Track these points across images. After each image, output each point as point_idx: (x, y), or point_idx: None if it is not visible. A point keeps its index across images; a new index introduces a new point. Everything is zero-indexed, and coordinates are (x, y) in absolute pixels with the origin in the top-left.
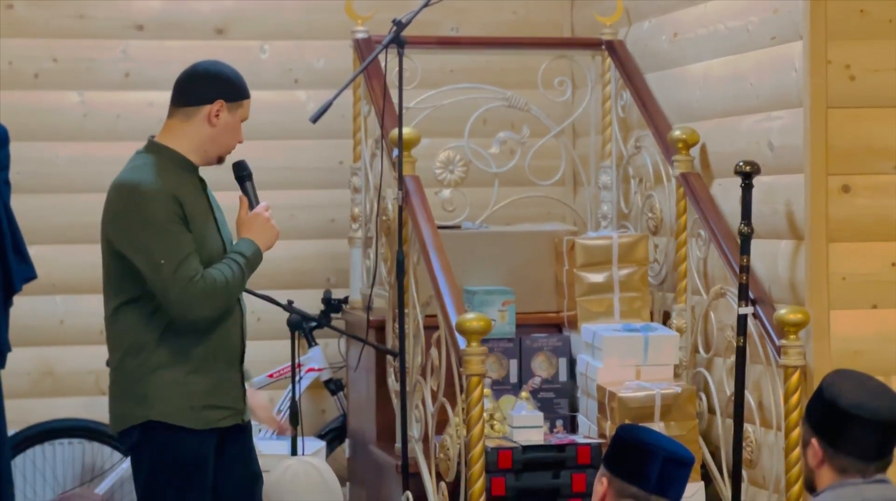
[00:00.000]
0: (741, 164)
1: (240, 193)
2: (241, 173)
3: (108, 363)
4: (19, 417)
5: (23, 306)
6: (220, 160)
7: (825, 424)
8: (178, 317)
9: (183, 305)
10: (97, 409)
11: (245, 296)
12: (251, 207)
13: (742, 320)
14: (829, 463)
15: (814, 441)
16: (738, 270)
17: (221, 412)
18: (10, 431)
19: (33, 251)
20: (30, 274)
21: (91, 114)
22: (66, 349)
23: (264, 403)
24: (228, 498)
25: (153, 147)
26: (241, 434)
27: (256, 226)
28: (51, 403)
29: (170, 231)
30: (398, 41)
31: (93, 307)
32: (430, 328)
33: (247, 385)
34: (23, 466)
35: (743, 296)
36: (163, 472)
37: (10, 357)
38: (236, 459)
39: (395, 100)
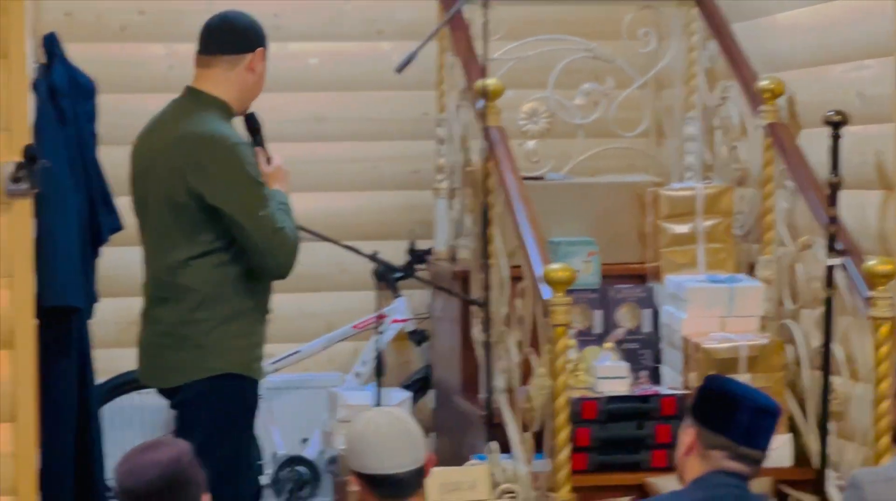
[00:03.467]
0: (830, 114)
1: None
2: (256, 125)
3: (155, 315)
4: (107, 366)
5: (110, 256)
6: (244, 111)
7: None
8: (277, 268)
9: (283, 254)
10: None
11: (330, 247)
12: (268, 160)
13: (830, 271)
14: None
15: None
16: (826, 220)
17: (263, 362)
18: (99, 380)
19: (120, 202)
20: (116, 225)
21: (176, 66)
22: None
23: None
24: None
25: (202, 96)
26: None
27: (281, 178)
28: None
29: (260, 184)
30: None
31: None
32: (515, 278)
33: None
34: (111, 415)
35: (831, 247)
36: (228, 421)
37: (98, 307)
38: None
39: (480, 51)
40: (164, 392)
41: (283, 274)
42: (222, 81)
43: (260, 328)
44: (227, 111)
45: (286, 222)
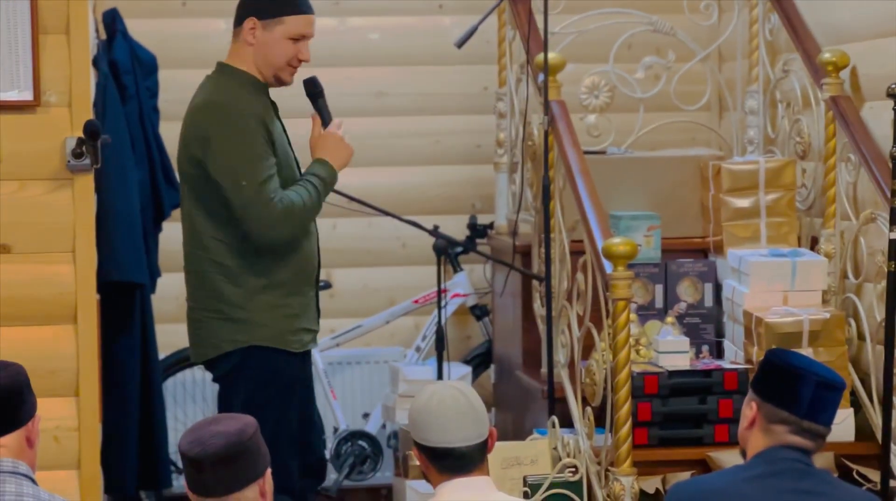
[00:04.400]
0: (894, 86)
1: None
2: (314, 90)
3: (190, 290)
4: (170, 341)
5: (171, 231)
6: (282, 81)
7: None
8: (256, 239)
9: (262, 226)
10: None
11: (390, 222)
12: (324, 125)
13: (893, 244)
14: None
15: None
16: (889, 194)
17: (310, 335)
18: (161, 355)
19: None
20: (178, 200)
21: None
22: None
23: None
24: (315, 417)
25: (225, 69)
26: (306, 359)
27: (330, 145)
28: None
29: (256, 153)
30: None
31: None
32: (576, 252)
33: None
34: (173, 389)
35: (894, 220)
36: (263, 394)
37: (160, 282)
38: (309, 383)
39: (540, 25)
40: (207, 367)
41: (265, 243)
42: (235, 52)
43: (296, 299)
44: (248, 80)
45: (298, 196)
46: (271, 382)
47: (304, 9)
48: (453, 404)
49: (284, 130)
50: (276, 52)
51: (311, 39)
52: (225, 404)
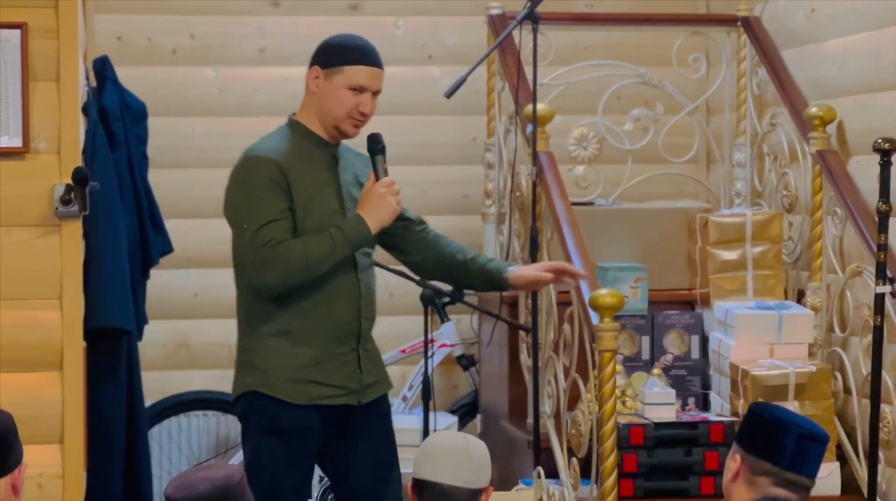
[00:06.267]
0: (879, 141)
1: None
2: (372, 146)
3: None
4: (156, 388)
5: (159, 279)
6: (343, 133)
7: None
8: (252, 282)
9: (253, 269)
10: (231, 382)
11: (378, 272)
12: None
13: (879, 298)
14: None
15: None
16: (875, 248)
17: (328, 390)
18: (147, 402)
19: (169, 225)
20: (166, 247)
21: (226, 89)
22: (201, 322)
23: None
24: (359, 483)
25: (289, 120)
26: (366, 416)
27: (369, 201)
28: (186, 375)
29: (259, 197)
30: (532, 17)
31: (227, 281)
32: (563, 303)
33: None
34: (159, 436)
35: (880, 274)
36: (265, 442)
37: (147, 330)
38: (363, 442)
39: (529, 76)
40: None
41: (260, 287)
42: (303, 100)
43: (308, 350)
44: (305, 134)
45: (303, 244)
46: (269, 430)
47: (365, 60)
48: (452, 444)
49: (338, 183)
50: (334, 102)
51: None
52: (242, 448)
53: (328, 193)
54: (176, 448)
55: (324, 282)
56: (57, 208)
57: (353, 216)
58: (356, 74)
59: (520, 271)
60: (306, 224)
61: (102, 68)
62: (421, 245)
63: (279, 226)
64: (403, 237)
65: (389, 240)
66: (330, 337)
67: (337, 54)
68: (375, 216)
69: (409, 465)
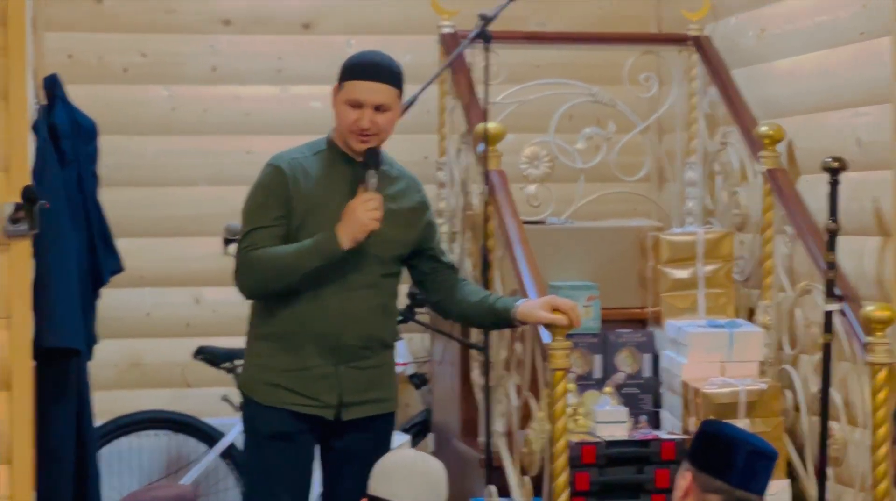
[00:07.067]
0: (828, 160)
1: None
2: (365, 161)
3: None
4: (106, 408)
5: (110, 298)
6: (350, 147)
7: None
8: (236, 285)
9: (235, 271)
10: (183, 401)
11: None
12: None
13: (828, 316)
14: None
15: None
16: (824, 266)
17: (300, 398)
18: (98, 422)
19: (121, 244)
20: (117, 266)
21: (179, 108)
22: (153, 341)
23: (538, 308)
24: (346, 496)
25: (328, 134)
26: (358, 434)
27: (344, 216)
28: (137, 394)
29: (257, 202)
30: (484, 36)
31: (179, 300)
32: None
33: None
34: (109, 457)
35: (829, 293)
36: (249, 442)
37: (98, 349)
38: (354, 458)
39: (481, 95)
40: None
41: (241, 291)
42: None
43: (288, 357)
44: (327, 142)
45: (273, 253)
46: (252, 432)
47: (362, 75)
48: (409, 463)
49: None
50: (339, 117)
51: (371, 107)
52: None
53: (334, 206)
54: (126, 469)
55: (314, 294)
56: (6, 227)
57: (328, 232)
58: (353, 89)
59: (529, 311)
60: (301, 234)
61: (53, 87)
62: (442, 287)
63: (264, 233)
64: (430, 277)
65: (417, 274)
66: (312, 349)
67: (344, 70)
68: (344, 229)
69: None
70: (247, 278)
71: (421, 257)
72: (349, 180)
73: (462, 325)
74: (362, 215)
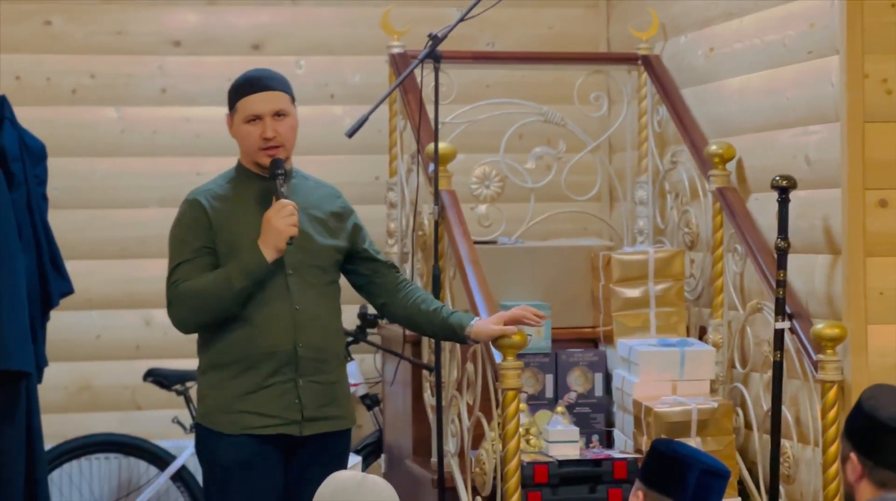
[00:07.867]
0: (778, 178)
1: None
2: (272, 171)
3: None
4: (56, 431)
5: (60, 320)
6: (260, 165)
7: (864, 438)
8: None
9: (168, 308)
10: (133, 424)
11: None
12: None
13: (779, 334)
14: (869, 478)
15: (853, 455)
16: (774, 284)
17: (261, 419)
18: (47, 445)
19: (70, 266)
20: (67, 289)
21: (128, 129)
22: (103, 364)
23: (491, 324)
24: None
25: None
26: (315, 452)
27: (263, 228)
28: (87, 417)
29: (178, 238)
30: (434, 56)
31: (129, 323)
32: None
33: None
34: (59, 480)
35: (780, 311)
36: (207, 472)
37: (47, 372)
38: (309, 476)
39: (431, 115)
40: None
41: (177, 326)
42: None
43: (238, 381)
44: (239, 167)
45: (202, 281)
46: (211, 462)
47: (250, 90)
48: (347, 485)
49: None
50: (244, 140)
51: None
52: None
53: (255, 224)
54: (77, 492)
55: (259, 311)
56: None
57: (251, 249)
58: (247, 104)
59: (482, 328)
60: (230, 259)
61: (1, 108)
62: (387, 289)
63: (187, 266)
64: (371, 279)
65: (357, 279)
66: (267, 367)
67: (231, 95)
68: (268, 242)
69: None
70: (180, 310)
71: (357, 261)
72: (262, 195)
73: (408, 329)
74: (278, 222)
